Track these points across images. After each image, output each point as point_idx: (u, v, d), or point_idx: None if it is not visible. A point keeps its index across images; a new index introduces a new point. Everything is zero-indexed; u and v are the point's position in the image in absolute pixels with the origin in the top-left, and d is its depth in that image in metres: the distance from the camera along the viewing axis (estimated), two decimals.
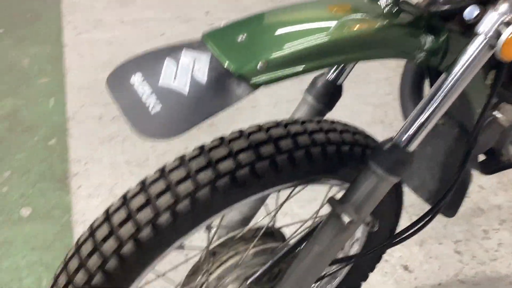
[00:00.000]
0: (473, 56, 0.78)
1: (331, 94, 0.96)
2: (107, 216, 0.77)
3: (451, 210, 1.18)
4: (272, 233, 1.01)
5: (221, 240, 0.96)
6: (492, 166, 1.35)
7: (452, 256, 1.54)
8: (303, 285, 0.95)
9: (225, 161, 0.78)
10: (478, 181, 1.76)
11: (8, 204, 1.70)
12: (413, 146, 0.83)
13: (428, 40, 0.82)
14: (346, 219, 0.85)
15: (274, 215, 0.98)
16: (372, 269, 1.24)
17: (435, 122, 0.82)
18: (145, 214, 0.74)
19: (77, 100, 2.21)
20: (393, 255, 1.55)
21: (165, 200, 0.75)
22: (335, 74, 0.96)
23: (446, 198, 0.99)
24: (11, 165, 1.86)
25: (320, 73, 0.97)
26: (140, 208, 0.75)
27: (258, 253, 0.96)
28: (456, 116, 1.10)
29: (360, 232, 1.12)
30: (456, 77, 0.79)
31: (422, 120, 0.81)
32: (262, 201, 1.08)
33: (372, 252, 1.05)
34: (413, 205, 1.63)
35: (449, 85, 0.79)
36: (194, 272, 0.97)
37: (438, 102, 0.80)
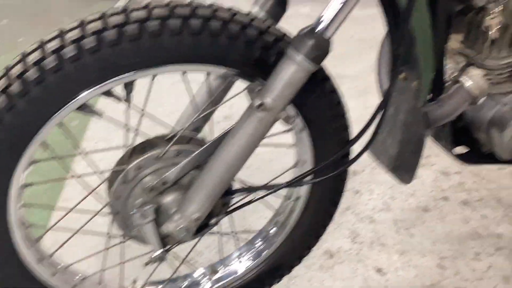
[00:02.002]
0: None
1: (276, 6, 1.00)
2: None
3: (407, 174, 1.11)
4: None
5: (149, 138, 0.98)
6: (473, 157, 1.27)
7: (433, 269, 1.40)
8: (214, 191, 0.92)
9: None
10: (482, 210, 1.62)
11: None
12: (330, 32, 0.83)
13: None
14: (257, 101, 0.84)
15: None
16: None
17: (351, 8, 0.82)
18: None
19: None
20: (369, 257, 1.43)
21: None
22: None
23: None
24: None
25: None
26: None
27: (180, 153, 0.96)
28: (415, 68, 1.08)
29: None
30: None
31: (337, 7, 0.82)
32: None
33: (302, 177, 0.99)
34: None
35: None
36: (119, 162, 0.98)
37: None
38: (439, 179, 1.77)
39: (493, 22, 0.96)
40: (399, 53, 0.88)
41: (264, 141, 1.00)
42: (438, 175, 1.79)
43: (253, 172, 1.78)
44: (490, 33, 0.98)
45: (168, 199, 0.97)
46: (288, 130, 1.05)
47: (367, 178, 1.77)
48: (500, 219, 1.59)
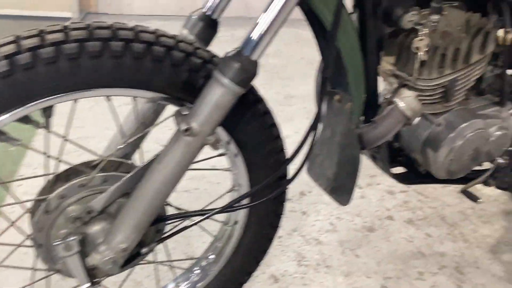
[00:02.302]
0: None
1: (206, 28, 0.98)
2: None
3: (344, 196, 1.10)
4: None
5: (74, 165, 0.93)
6: (411, 177, 1.28)
7: None
8: (142, 219, 0.89)
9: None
10: (426, 229, 1.64)
11: None
12: (257, 54, 0.82)
13: None
14: (183, 126, 0.82)
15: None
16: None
17: (277, 29, 0.81)
18: None
19: None
20: (315, 280, 1.41)
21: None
22: (211, 8, 0.99)
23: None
24: None
25: (197, 9, 1.00)
26: None
27: (107, 180, 0.91)
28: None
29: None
30: None
31: (265, 26, 0.81)
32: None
33: (238, 201, 0.97)
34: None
35: None
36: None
37: (278, 9, 0.80)
38: (384, 198, 1.78)
39: (421, 44, 0.98)
40: (326, 75, 0.88)
41: (201, 164, 0.98)
42: (383, 194, 1.80)
43: (200, 194, 1.75)
44: (419, 54, 0.99)
45: (95, 229, 0.92)
46: (222, 154, 1.03)
47: (314, 199, 1.76)
48: (444, 237, 1.61)
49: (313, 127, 0.92)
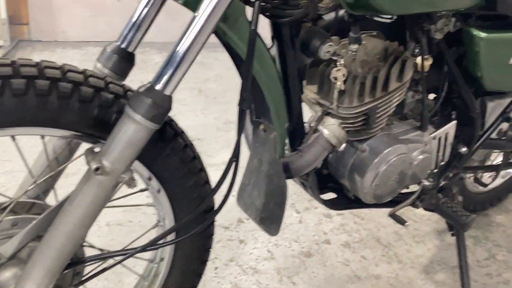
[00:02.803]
0: None
1: (122, 61, 0.96)
2: None
3: (273, 226, 1.10)
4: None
5: None
6: (341, 203, 1.29)
7: None
8: (55, 264, 0.84)
9: None
10: (361, 251, 1.65)
11: None
12: (170, 89, 0.80)
13: None
14: (93, 165, 0.78)
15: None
16: None
17: (190, 62, 0.80)
18: None
19: None
20: None
21: None
22: (126, 40, 0.97)
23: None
24: None
25: (111, 41, 0.98)
26: None
27: (17, 223, 0.86)
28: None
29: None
30: (203, 17, 0.79)
31: (176, 61, 0.79)
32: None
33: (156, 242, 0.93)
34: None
35: (198, 24, 0.79)
36: None
37: (190, 42, 0.79)
38: (322, 222, 1.79)
39: (338, 74, 0.99)
40: (243, 107, 0.87)
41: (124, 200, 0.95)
42: (321, 218, 1.81)
43: (134, 227, 1.69)
44: (336, 84, 1.00)
45: (5, 276, 0.86)
46: (144, 190, 1.00)
47: (252, 226, 1.74)
48: (379, 259, 1.63)
49: (233, 157, 0.91)
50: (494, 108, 1.39)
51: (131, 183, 0.82)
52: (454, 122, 1.31)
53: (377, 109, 1.12)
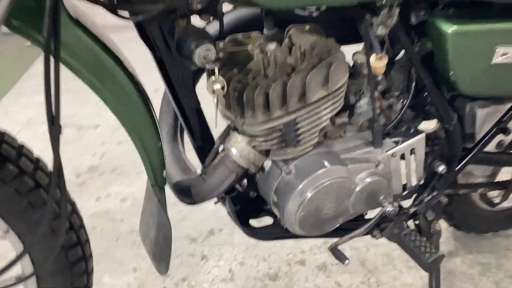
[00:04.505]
0: None
1: None
2: None
3: (162, 263, 0.92)
4: None
5: None
6: (272, 232, 1.09)
7: None
8: None
9: None
10: (337, 276, 1.43)
11: None
12: None
13: None
14: None
15: None
16: None
17: None
18: None
19: None
20: None
21: None
22: None
23: None
24: None
25: None
26: None
27: None
28: None
29: None
30: None
31: None
32: None
33: None
34: None
35: None
36: None
37: None
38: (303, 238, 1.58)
39: (216, 87, 0.79)
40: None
41: None
42: None
43: None
44: (215, 99, 0.80)
45: None
46: None
47: (222, 240, 1.58)
48: (355, 287, 1.40)
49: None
50: (486, 116, 1.11)
51: None
52: (422, 135, 1.06)
53: (297, 124, 0.90)
